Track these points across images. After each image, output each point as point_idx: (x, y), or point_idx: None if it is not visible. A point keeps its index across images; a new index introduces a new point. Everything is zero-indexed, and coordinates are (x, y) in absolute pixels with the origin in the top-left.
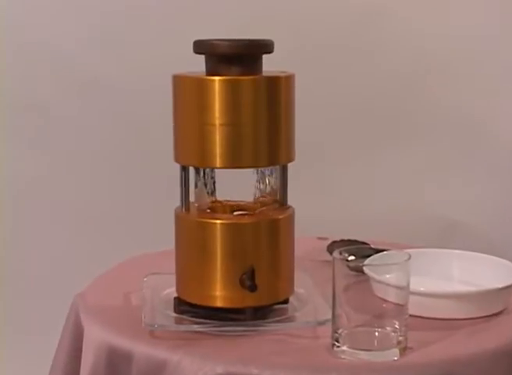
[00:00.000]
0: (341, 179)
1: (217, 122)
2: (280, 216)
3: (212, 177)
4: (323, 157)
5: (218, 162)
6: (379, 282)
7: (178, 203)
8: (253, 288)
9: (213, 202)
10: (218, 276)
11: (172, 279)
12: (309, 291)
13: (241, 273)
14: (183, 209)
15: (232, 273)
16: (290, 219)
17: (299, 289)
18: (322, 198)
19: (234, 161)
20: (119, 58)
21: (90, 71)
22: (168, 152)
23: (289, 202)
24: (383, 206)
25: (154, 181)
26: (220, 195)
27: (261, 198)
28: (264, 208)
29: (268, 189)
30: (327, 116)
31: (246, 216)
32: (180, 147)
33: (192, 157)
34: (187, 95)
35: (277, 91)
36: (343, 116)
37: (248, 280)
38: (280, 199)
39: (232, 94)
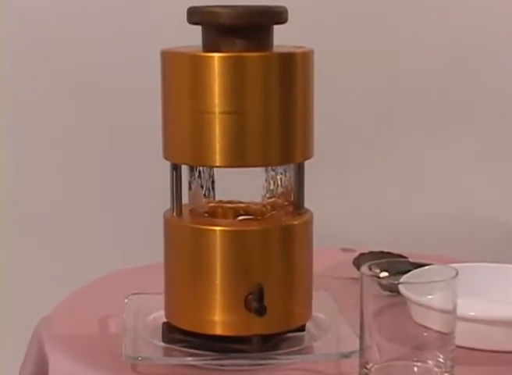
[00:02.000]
0: (370, 177)
1: (216, 109)
2: (295, 222)
3: (211, 177)
4: (348, 151)
5: (217, 159)
6: (419, 305)
7: (167, 206)
8: (261, 312)
9: (211, 203)
10: (217, 296)
11: (160, 300)
12: (331, 316)
13: (247, 293)
14: (175, 213)
15: (235, 293)
16: (308, 226)
17: (318, 313)
18: (347, 200)
19: (238, 158)
20: (97, 30)
21: (63, 46)
22: (156, 147)
23: (307, 205)
24: (423, 210)
25: (138, 180)
26: (220, 195)
27: (271, 200)
28: (274, 211)
29: (280, 189)
30: (352, 103)
31: (252, 222)
32: (171, 141)
33: (185, 153)
34: (179, 76)
35: (292, 71)
36: (373, 102)
37: (255, 302)
38: (295, 201)
39: (236, 75)
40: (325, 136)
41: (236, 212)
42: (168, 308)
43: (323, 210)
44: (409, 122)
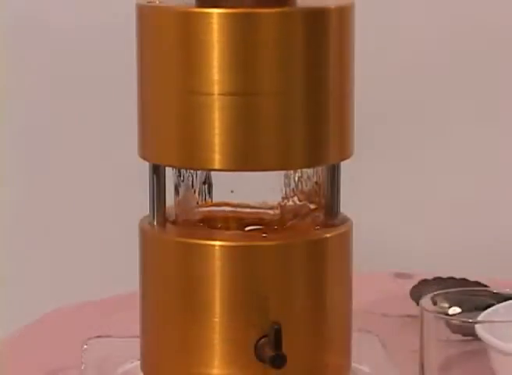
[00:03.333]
0: (432, 177)
1: (216, 89)
2: (328, 235)
3: (208, 179)
4: (400, 142)
5: (216, 160)
6: (504, 353)
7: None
8: (278, 362)
9: (206, 207)
10: (216, 339)
11: (135, 346)
12: (379, 369)
13: (258, 336)
14: (155, 222)
15: (241, 336)
16: (345, 241)
17: (361, 365)
18: (401, 208)
19: (247, 159)
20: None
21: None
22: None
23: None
24: (506, 223)
25: (107, 183)
26: (220, 196)
27: (291, 203)
28: (297, 219)
29: (306, 188)
30: (403, 80)
31: (266, 233)
32: (151, 134)
33: (171, 151)
34: (164, 42)
35: (323, 36)
36: (429, 79)
37: (270, 349)
38: (327, 205)
39: (244, 41)
40: (369, 123)
41: (243, 220)
42: (147, 357)
43: (367, 220)
44: (490, 104)
